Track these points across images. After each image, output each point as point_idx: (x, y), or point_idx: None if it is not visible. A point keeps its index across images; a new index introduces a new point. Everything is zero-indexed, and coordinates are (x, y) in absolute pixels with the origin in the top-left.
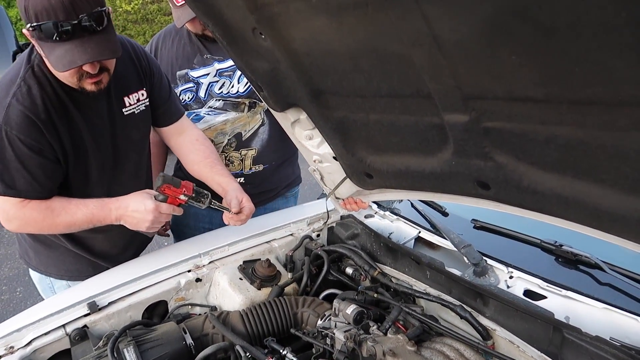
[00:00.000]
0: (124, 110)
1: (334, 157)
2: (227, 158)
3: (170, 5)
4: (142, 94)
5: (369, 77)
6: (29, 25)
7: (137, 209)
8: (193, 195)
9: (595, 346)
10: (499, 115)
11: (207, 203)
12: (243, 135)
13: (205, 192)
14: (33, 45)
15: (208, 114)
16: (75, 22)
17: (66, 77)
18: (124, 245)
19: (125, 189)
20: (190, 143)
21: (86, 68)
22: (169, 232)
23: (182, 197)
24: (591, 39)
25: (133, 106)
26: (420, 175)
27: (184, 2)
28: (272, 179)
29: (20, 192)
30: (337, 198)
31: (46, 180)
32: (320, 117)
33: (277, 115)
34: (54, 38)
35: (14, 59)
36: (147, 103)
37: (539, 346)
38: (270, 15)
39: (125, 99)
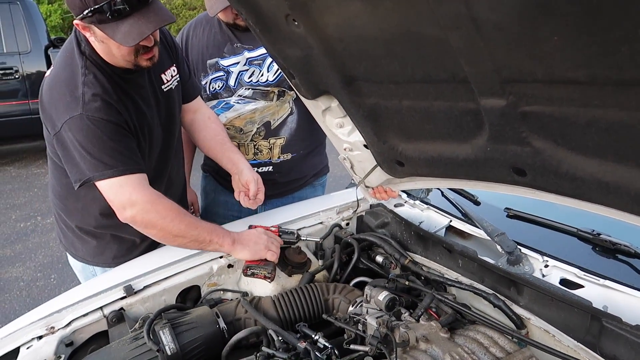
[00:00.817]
0: (163, 87)
1: (364, 145)
2: (256, 147)
3: None
4: (174, 70)
5: (403, 63)
6: (86, 11)
7: (249, 233)
8: (279, 226)
9: (637, 335)
10: (538, 99)
11: (297, 233)
12: (272, 124)
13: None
14: (77, 39)
15: (238, 103)
16: None
17: (124, 55)
18: None
19: (169, 166)
20: (202, 121)
21: (144, 42)
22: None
23: (272, 227)
24: (639, 16)
25: (170, 82)
26: (453, 162)
27: None
28: (300, 167)
29: (126, 168)
30: (366, 187)
31: (139, 152)
32: (352, 105)
33: (308, 103)
34: (115, 16)
35: (45, 53)
36: (179, 78)
37: (575, 335)
38: (304, 1)
39: (162, 76)
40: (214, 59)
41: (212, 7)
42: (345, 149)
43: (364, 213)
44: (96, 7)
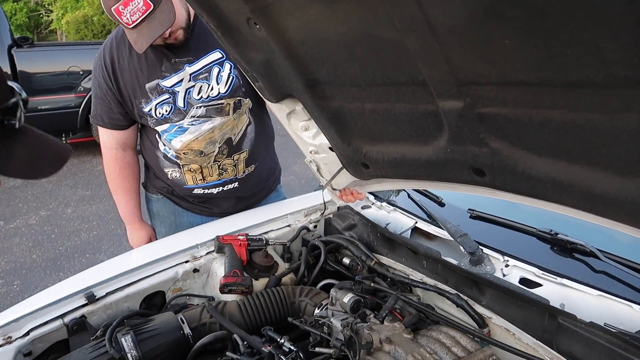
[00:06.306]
0: None
1: (330, 148)
2: (220, 167)
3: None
4: None
5: (364, 66)
6: None
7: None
8: (247, 234)
9: (590, 332)
10: (493, 101)
11: (265, 239)
12: (233, 139)
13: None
14: None
15: (192, 124)
16: None
17: None
18: None
19: None
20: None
21: None
22: None
23: (240, 237)
24: (582, 20)
25: None
26: (416, 163)
27: (139, 21)
28: (262, 175)
29: None
30: (333, 189)
31: None
32: (316, 108)
33: (273, 107)
34: None
35: (9, 52)
36: None
37: (534, 333)
38: (265, 4)
39: None
40: (154, 82)
41: (137, 42)
42: (311, 152)
43: (331, 215)
44: None
